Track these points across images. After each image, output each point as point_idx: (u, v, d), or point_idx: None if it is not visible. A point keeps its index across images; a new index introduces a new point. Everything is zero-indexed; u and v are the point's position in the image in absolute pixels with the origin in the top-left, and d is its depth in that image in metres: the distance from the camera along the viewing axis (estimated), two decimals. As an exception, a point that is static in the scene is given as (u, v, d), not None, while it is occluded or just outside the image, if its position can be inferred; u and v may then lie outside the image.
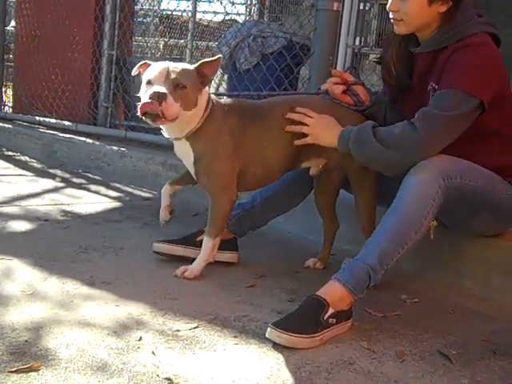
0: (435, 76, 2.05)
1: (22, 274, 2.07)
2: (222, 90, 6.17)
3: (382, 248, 1.84)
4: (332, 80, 2.26)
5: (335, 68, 3.23)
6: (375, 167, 2.10)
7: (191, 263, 2.20)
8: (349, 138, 2.03)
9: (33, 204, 3.03)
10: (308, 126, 2.14)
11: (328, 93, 2.26)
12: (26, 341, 1.59)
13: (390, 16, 2.07)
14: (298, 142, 2.15)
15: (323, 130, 2.13)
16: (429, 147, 1.95)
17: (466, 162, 2.01)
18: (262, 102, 2.30)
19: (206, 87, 2.13)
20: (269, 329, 1.72)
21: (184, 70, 2.02)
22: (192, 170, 2.19)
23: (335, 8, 2.81)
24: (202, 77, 2.06)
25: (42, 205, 3.03)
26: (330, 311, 1.78)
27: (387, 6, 2.06)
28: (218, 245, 2.21)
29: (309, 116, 2.14)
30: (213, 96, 2.17)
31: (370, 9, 6.13)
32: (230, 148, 2.13)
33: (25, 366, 1.45)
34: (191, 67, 2.07)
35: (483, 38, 2.00)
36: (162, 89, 1.93)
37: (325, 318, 1.76)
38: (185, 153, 2.17)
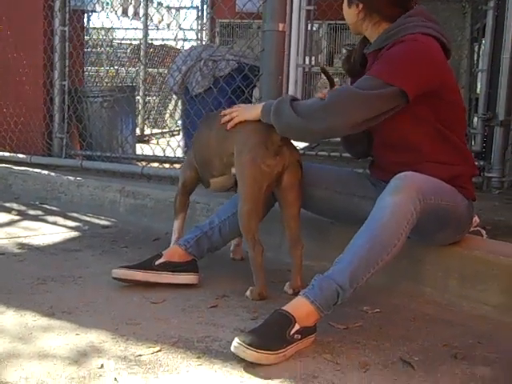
0: None
1: (-21, 309, 2.03)
2: (177, 114, 6.16)
3: (353, 267, 1.84)
4: (324, 92, 2.29)
5: (287, 87, 3.28)
6: (292, 136, 2.22)
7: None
8: (270, 110, 2.15)
9: (-12, 239, 2.98)
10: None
11: None
12: (-16, 376, 1.56)
13: None
14: (230, 126, 2.28)
15: (248, 109, 2.30)
16: (334, 114, 2.04)
17: (435, 179, 2.05)
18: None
19: None
20: (234, 343, 1.71)
21: None
22: None
23: (281, 29, 2.85)
24: None
25: (-3, 239, 2.98)
26: (296, 327, 1.78)
27: None
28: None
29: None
30: None
31: (318, 29, 6.25)
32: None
33: (-17, 401, 1.42)
34: None
35: (418, 36, 2.08)
36: None
37: (291, 333, 1.76)
38: None
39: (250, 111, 2.27)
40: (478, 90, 4.37)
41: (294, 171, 2.24)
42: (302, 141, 2.18)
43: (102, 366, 1.65)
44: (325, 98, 2.11)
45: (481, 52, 4.79)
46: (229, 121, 2.30)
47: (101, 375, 1.59)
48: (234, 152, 2.24)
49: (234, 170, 2.29)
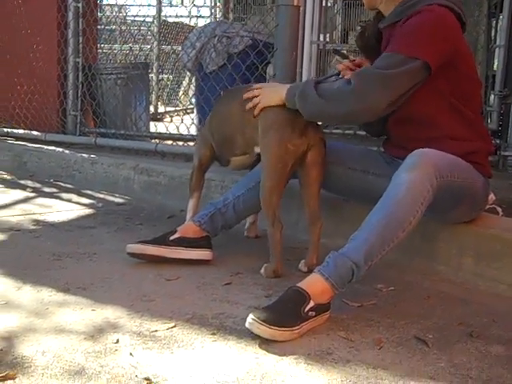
0: None
1: (-5, 285, 2.05)
2: (190, 91, 6.14)
3: (368, 244, 1.83)
4: (346, 63, 2.30)
5: (301, 65, 3.27)
6: (319, 120, 2.24)
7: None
8: (295, 95, 2.13)
9: (4, 215, 3.00)
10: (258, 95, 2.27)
11: (339, 74, 2.34)
12: (1, 350, 1.57)
13: None
14: (256, 114, 2.24)
15: (270, 91, 2.25)
16: (361, 99, 2.01)
17: (451, 156, 2.03)
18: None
19: None
20: (249, 319, 1.71)
21: None
22: None
23: (295, 3, 2.83)
24: None
25: (13, 215, 3.00)
26: (311, 304, 1.78)
27: None
28: None
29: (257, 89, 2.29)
30: None
31: (333, 5, 6.19)
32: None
33: (0, 375, 1.43)
34: None
35: (433, 7, 2.06)
36: None
37: (305, 310, 1.76)
38: None
39: (272, 96, 2.22)
40: (495, 67, 4.31)
41: (318, 150, 2.24)
42: (330, 124, 2.21)
43: (117, 341, 1.66)
44: (345, 69, 2.09)
45: (498, 27, 4.72)
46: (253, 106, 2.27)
47: (116, 350, 1.61)
48: (258, 129, 2.24)
49: (257, 150, 2.28)
